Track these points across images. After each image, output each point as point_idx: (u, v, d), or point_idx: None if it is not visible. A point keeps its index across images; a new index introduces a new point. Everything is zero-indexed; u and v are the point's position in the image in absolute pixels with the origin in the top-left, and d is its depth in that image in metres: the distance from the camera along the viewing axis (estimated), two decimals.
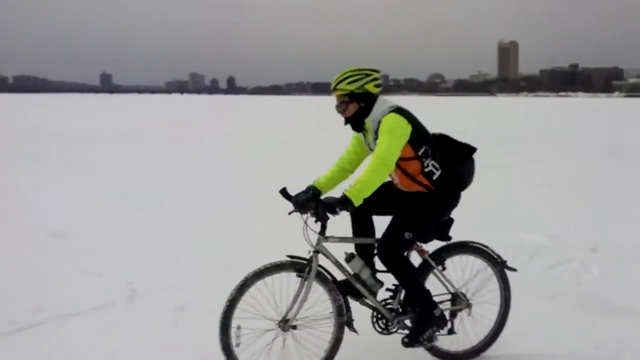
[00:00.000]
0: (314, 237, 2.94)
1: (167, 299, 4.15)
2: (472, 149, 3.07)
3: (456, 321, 3.20)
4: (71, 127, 22.96)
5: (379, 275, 3.09)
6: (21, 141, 16.20)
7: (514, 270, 3.31)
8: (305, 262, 2.94)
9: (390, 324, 3.11)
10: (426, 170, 2.97)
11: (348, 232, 3.17)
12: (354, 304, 3.06)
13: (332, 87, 3.00)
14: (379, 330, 3.12)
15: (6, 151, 13.93)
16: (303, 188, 3.08)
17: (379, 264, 3.05)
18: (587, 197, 8.34)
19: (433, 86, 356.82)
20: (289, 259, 2.94)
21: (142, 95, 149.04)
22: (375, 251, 3.04)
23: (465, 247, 3.26)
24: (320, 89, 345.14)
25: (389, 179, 3.06)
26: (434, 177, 2.98)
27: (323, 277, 2.98)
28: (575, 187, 9.08)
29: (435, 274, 3.18)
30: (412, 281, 3.02)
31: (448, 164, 2.99)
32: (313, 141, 16.87)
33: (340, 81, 2.96)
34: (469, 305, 3.25)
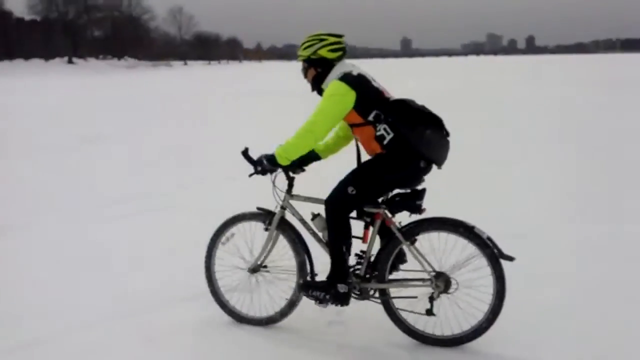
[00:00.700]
0: (282, 195, 3.20)
1: None
2: (428, 118, 2.85)
3: (436, 303, 2.94)
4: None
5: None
6: None
7: (509, 259, 2.82)
8: (269, 214, 3.21)
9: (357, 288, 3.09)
10: (377, 134, 2.87)
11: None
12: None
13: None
14: (354, 296, 3.09)
15: None
16: None
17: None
18: None
19: None
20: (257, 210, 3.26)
21: (440, 58, 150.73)
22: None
23: (444, 224, 2.92)
24: (630, 46, 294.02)
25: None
26: (385, 142, 2.86)
27: (285, 230, 3.19)
28: None
29: (409, 250, 2.98)
30: (335, 242, 2.98)
31: (399, 129, 2.81)
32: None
33: (300, 47, 3.05)
34: (447, 289, 2.93)
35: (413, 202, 2.92)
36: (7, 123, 14.09)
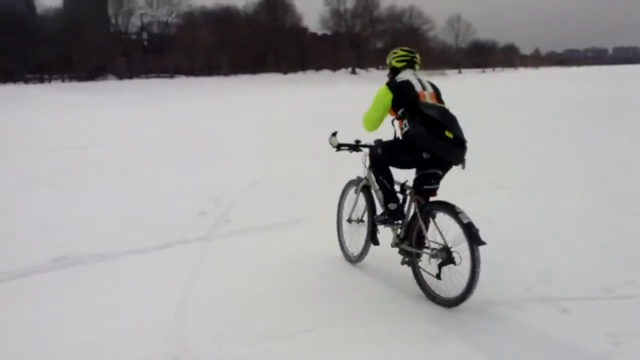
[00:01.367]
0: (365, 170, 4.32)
1: None
2: (433, 122, 3.50)
3: (444, 270, 3.55)
4: None
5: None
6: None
7: (481, 243, 3.32)
8: (359, 181, 4.43)
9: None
10: (403, 127, 3.73)
11: None
12: None
13: None
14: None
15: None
16: None
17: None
18: None
19: None
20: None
21: None
22: None
23: (446, 207, 3.56)
24: None
25: None
26: (403, 131, 3.72)
27: (363, 192, 4.36)
28: None
29: (432, 222, 3.67)
30: (377, 179, 4.07)
31: (413, 125, 3.57)
32: None
33: None
34: (450, 261, 3.49)
35: (421, 186, 3.74)
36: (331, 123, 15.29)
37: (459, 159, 3.62)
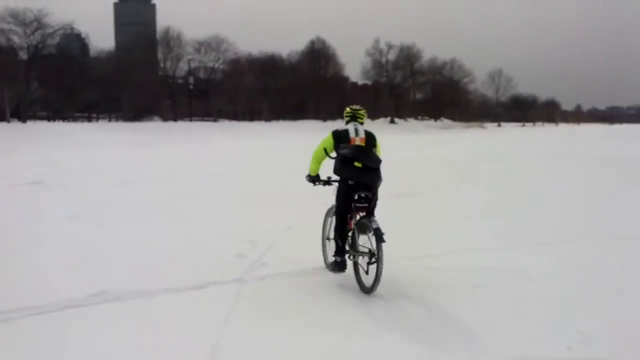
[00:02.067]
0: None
1: None
2: (345, 157, 4.93)
3: (371, 267, 4.79)
4: None
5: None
6: None
7: (383, 241, 4.65)
8: None
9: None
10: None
11: None
12: None
13: None
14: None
15: None
16: None
17: None
18: None
19: None
20: None
21: None
22: None
23: (368, 219, 4.91)
24: None
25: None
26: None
27: None
28: None
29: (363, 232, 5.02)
30: (335, 235, 5.25)
31: (335, 162, 5.08)
32: None
33: None
34: (374, 261, 4.72)
35: (355, 205, 5.01)
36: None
37: (372, 181, 4.95)
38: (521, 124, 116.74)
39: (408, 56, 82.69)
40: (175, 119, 57.20)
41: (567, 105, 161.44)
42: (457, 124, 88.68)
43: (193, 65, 64.65)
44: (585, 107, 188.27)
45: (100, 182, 13.30)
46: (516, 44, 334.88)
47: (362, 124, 5.26)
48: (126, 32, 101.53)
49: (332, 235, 5.37)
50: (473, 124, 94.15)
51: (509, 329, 4.11)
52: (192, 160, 21.56)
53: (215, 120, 60.80)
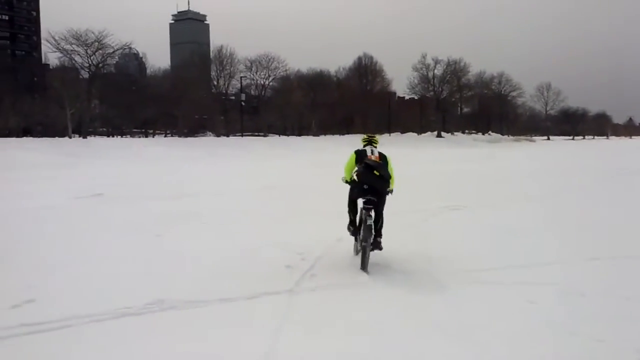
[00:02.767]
0: None
1: None
2: (363, 166, 6.41)
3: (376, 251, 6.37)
4: None
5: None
6: None
7: (369, 235, 6.15)
8: None
9: None
10: (355, 170, 6.67)
11: None
12: None
13: None
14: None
15: None
16: None
17: None
18: None
19: None
20: None
21: None
22: None
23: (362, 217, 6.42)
24: None
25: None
26: (355, 172, 6.65)
27: None
28: None
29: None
30: (348, 211, 6.90)
31: (359, 167, 6.53)
32: None
33: None
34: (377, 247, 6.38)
35: (364, 205, 6.39)
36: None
37: (382, 188, 6.34)
38: (571, 137, 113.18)
39: (455, 71, 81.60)
40: (227, 134, 58.55)
41: (618, 119, 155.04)
42: (505, 137, 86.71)
43: (245, 82, 66.20)
44: (638, 119, 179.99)
45: (157, 195, 13.81)
46: (565, 56, 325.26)
47: (376, 147, 6.85)
48: (181, 51, 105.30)
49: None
50: (522, 137, 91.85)
51: (562, 346, 4.06)
52: (244, 174, 22.05)
53: (265, 135, 61.89)
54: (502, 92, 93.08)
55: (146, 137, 57.62)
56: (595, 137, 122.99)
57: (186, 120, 57.57)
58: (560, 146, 67.58)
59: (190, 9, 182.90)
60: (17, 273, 6.30)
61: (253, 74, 67.18)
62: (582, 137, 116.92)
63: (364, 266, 6.20)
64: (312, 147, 46.43)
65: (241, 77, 65.01)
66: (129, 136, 58.31)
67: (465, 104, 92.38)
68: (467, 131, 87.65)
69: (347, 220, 6.82)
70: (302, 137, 62.32)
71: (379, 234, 6.39)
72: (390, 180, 6.44)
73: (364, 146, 6.84)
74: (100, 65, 51.74)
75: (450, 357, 3.94)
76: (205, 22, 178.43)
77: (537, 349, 4.01)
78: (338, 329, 4.48)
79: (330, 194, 14.05)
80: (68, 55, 49.64)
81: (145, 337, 4.34)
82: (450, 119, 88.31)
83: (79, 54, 49.49)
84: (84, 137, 45.28)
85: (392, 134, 69.96)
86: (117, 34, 70.48)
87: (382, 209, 6.50)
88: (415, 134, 74.40)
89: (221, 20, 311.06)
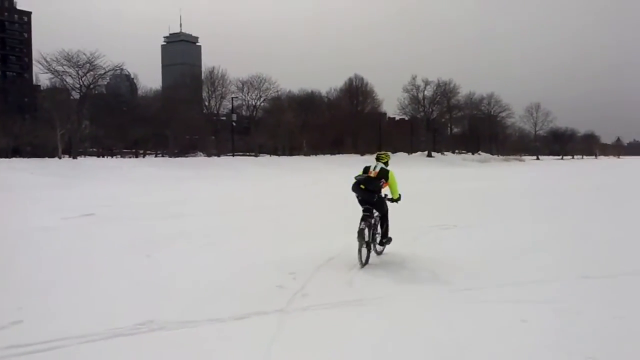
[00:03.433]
0: None
1: None
2: (356, 180, 7.69)
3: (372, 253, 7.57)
4: None
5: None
6: None
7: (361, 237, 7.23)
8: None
9: None
10: None
11: None
12: None
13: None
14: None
15: None
16: None
17: None
18: None
19: None
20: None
21: None
22: None
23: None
24: None
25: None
26: None
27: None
28: None
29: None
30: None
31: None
32: None
33: None
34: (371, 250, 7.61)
35: (363, 214, 7.55)
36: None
37: (369, 198, 7.54)
38: (560, 157, 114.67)
39: (445, 92, 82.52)
40: (218, 154, 58.48)
41: (606, 139, 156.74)
42: (494, 157, 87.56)
43: (236, 102, 66.36)
44: (626, 139, 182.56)
45: (148, 215, 13.72)
46: (554, 77, 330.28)
47: (385, 162, 7.88)
48: (173, 73, 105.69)
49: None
50: (511, 157, 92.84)
51: None
52: (234, 194, 21.99)
53: (256, 156, 61.86)
54: (492, 113, 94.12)
55: (137, 157, 57.41)
56: (584, 156, 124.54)
57: (177, 141, 57.52)
58: (549, 165, 68.30)
59: (183, 31, 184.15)
60: (6, 294, 6.20)
61: (244, 95, 67.42)
62: (570, 157, 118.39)
63: (360, 262, 7.33)
64: (303, 167, 46.47)
65: (232, 98, 65.22)
66: (119, 156, 58.07)
67: (455, 124, 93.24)
68: (457, 151, 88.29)
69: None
70: (293, 157, 62.42)
71: (384, 235, 7.85)
72: (393, 190, 7.82)
73: (376, 160, 8.03)
74: (92, 86, 51.65)
75: None
76: (197, 44, 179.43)
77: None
78: (329, 349, 4.43)
79: (321, 213, 14.05)
80: (59, 77, 49.46)
81: (135, 358, 4.27)
82: (441, 139, 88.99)
83: (70, 75, 49.38)
84: (74, 157, 44.98)
85: None
86: (109, 56, 70.51)
87: (385, 213, 7.85)
88: (405, 154, 74.83)
89: (213, 42, 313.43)
